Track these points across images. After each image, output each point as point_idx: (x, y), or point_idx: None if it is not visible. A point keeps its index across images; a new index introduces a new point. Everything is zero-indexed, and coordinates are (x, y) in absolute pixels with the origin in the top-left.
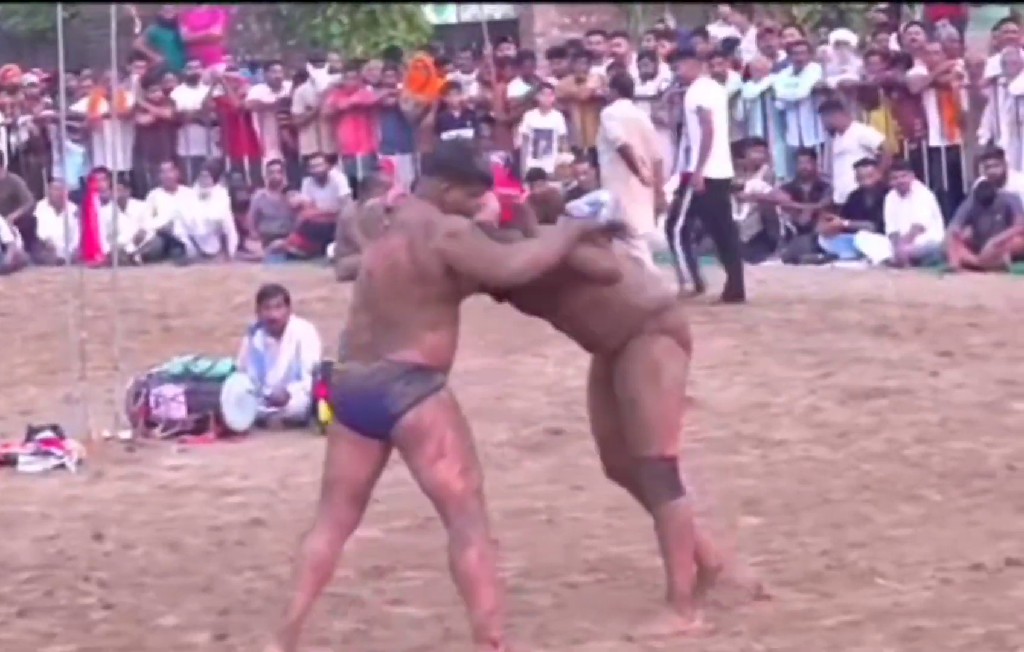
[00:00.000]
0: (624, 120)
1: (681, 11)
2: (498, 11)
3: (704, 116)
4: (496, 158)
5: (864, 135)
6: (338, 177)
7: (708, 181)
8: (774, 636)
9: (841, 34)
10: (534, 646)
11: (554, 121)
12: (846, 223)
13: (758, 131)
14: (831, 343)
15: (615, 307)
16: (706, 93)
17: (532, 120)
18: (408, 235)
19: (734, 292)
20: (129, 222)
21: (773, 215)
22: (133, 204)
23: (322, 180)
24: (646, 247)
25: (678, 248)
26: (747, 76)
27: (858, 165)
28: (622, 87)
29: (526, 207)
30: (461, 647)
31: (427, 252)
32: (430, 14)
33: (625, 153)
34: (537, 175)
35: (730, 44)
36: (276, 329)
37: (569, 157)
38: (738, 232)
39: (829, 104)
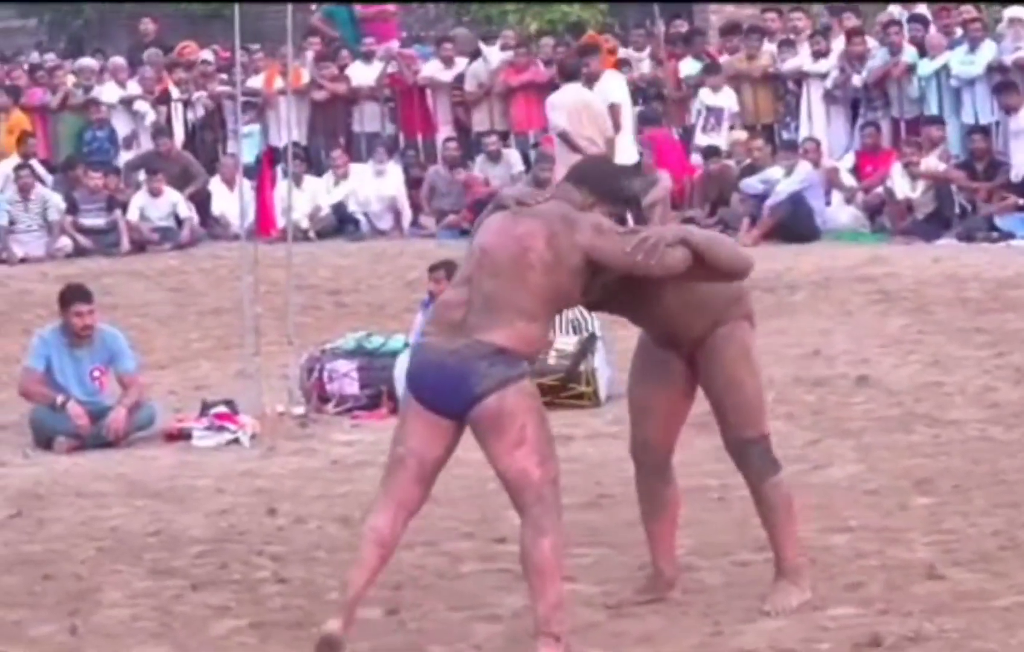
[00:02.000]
0: (567, 105)
1: None
2: None
3: (614, 111)
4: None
5: None
6: (511, 154)
7: None
8: (946, 616)
9: (1015, 10)
10: (704, 622)
11: (726, 99)
12: (1022, 202)
13: (933, 109)
14: (1005, 322)
15: (709, 300)
16: (614, 88)
17: (705, 97)
18: (547, 224)
19: None
20: (304, 198)
21: (948, 193)
22: (308, 180)
23: (495, 157)
24: None
25: None
26: (923, 53)
27: None
28: (567, 72)
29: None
30: (630, 625)
31: (570, 243)
32: None
33: (565, 139)
34: (712, 152)
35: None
36: None
37: (743, 134)
38: None
39: (1003, 84)
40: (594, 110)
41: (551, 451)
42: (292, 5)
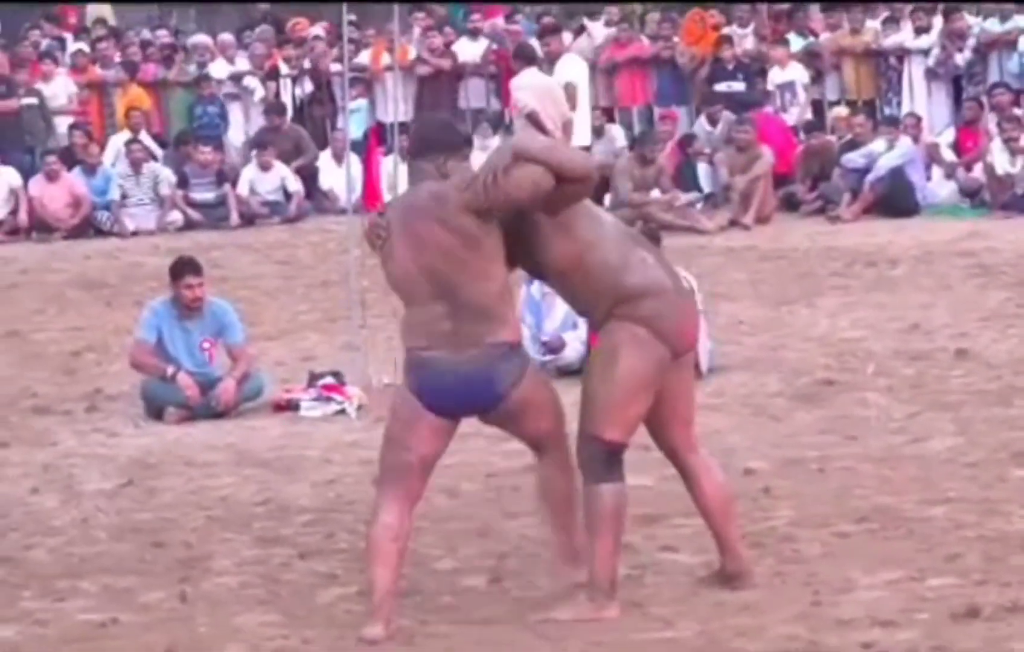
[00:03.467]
0: (531, 87)
1: None
2: None
3: (570, 90)
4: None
5: None
6: (614, 129)
7: None
8: None
9: None
10: (804, 592)
11: (795, 73)
12: None
13: None
14: None
15: (593, 277)
16: (572, 68)
17: (774, 76)
18: (428, 215)
19: None
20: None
21: None
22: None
23: (599, 132)
24: None
25: None
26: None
27: None
28: (526, 57)
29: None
30: (729, 596)
31: (455, 215)
32: None
33: (532, 119)
34: (813, 127)
35: None
36: None
37: (844, 110)
38: None
39: None
40: (555, 94)
41: (559, 405)
42: None
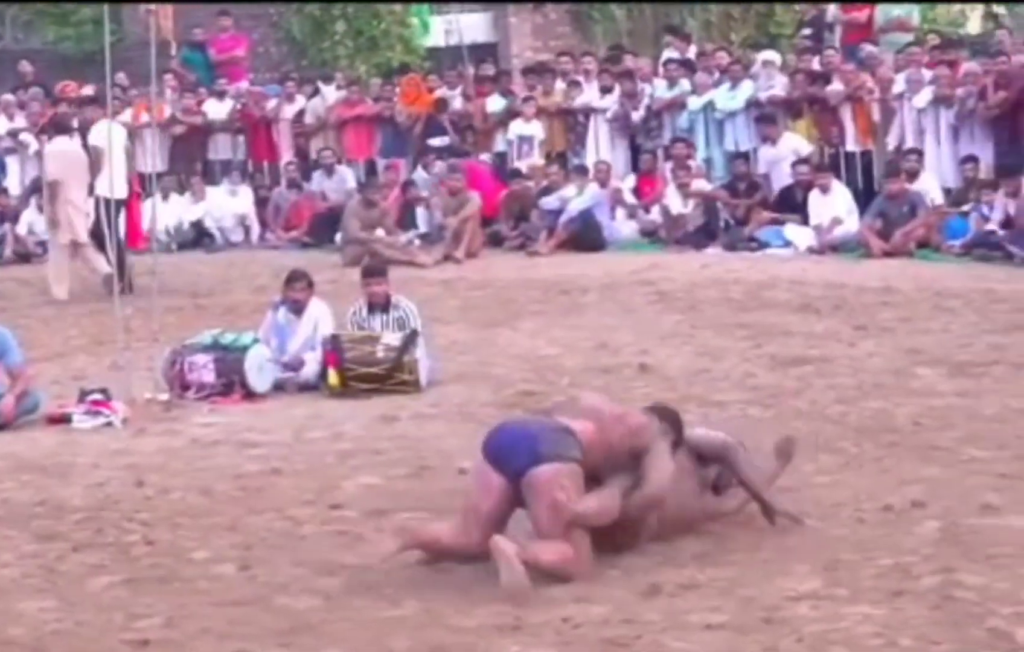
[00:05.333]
0: (58, 155)
1: (635, 37)
2: (480, 35)
3: (97, 153)
4: (484, 158)
5: (797, 144)
6: (344, 170)
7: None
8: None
9: (768, 55)
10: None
11: (535, 129)
12: (776, 217)
13: (701, 138)
14: (763, 318)
15: None
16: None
17: (516, 128)
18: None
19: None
20: (167, 216)
21: (714, 209)
22: (168, 201)
23: (330, 171)
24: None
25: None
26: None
27: (796, 163)
28: (59, 126)
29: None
30: (444, 577)
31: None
32: (423, 39)
33: (53, 188)
34: (515, 175)
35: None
36: (298, 308)
37: (540, 161)
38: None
39: (763, 117)
40: (81, 162)
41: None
42: (155, 50)
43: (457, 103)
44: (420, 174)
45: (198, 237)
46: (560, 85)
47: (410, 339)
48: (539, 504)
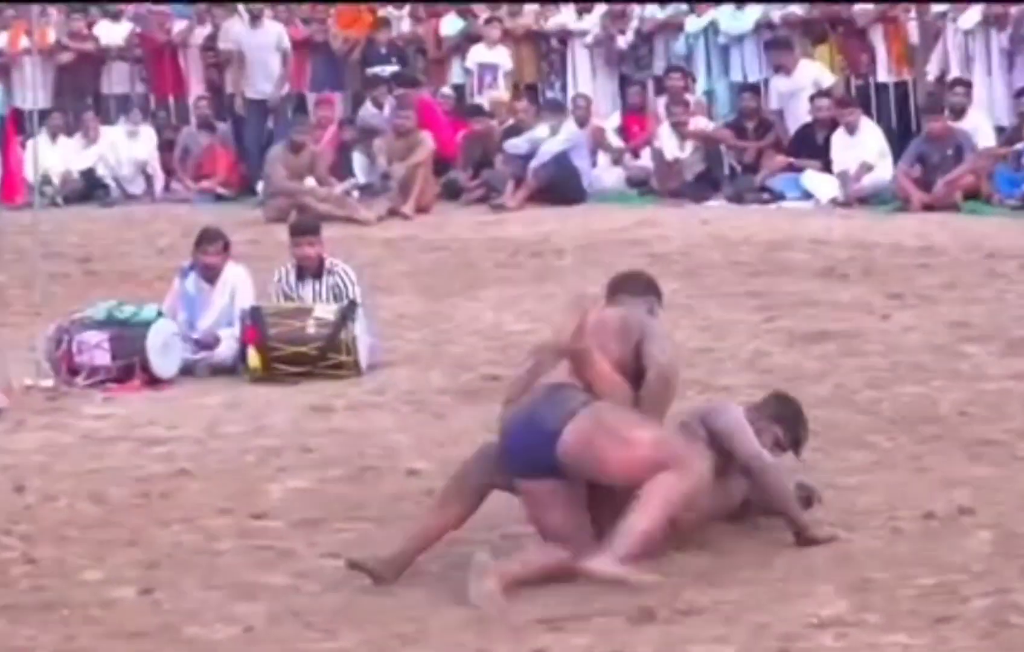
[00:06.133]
0: None
1: None
2: None
3: None
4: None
5: (818, 75)
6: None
7: None
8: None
9: None
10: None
11: (499, 56)
12: (793, 161)
13: (701, 68)
14: (777, 285)
15: None
16: None
17: (477, 55)
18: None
19: None
20: (52, 162)
21: (717, 153)
22: (56, 144)
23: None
24: None
25: None
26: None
27: (816, 97)
28: None
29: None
30: (388, 602)
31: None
32: None
33: None
34: (476, 111)
35: None
36: (211, 274)
37: (506, 94)
38: None
39: (775, 41)
40: None
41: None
42: None
43: (404, 25)
44: (369, 110)
45: (89, 188)
46: (530, 4)
47: (348, 312)
48: (600, 457)
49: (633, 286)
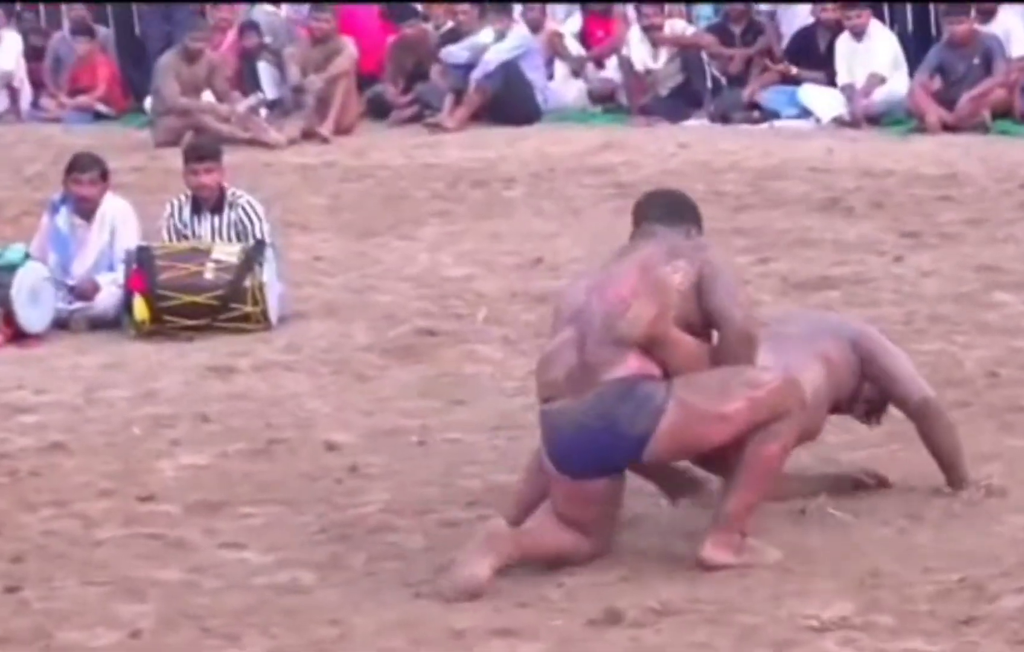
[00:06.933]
0: None
1: None
2: None
3: None
4: None
5: None
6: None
7: None
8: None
9: None
10: (402, 594)
11: None
12: (794, 70)
13: None
14: (769, 221)
15: None
16: None
17: None
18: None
19: None
20: None
21: (698, 63)
22: None
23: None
24: None
25: None
26: None
27: None
28: None
29: None
30: (302, 601)
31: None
32: None
33: None
34: (407, 14)
35: None
36: (87, 209)
37: None
38: None
39: None
40: None
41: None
42: None
43: None
44: (264, 9)
45: None
46: None
47: (254, 253)
48: (700, 444)
49: (664, 211)
